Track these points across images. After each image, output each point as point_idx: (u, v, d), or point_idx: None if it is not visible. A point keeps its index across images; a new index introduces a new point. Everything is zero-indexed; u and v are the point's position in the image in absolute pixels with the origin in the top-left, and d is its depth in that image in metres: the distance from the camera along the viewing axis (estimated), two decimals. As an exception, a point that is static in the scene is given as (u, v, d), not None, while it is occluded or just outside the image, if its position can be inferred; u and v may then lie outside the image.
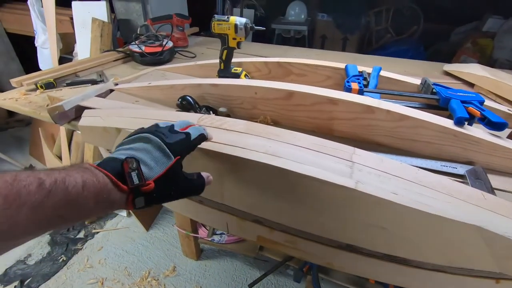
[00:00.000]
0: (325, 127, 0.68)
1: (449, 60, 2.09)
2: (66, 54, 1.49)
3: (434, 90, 0.68)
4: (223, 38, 0.80)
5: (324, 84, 0.86)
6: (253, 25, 0.78)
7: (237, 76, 0.84)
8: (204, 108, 0.73)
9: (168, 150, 0.36)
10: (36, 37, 1.49)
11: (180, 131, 0.40)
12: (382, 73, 0.80)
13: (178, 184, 0.37)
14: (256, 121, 0.72)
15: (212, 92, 0.75)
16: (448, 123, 0.58)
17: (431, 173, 0.45)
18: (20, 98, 0.89)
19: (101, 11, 1.23)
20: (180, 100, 0.71)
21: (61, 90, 0.91)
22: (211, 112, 0.73)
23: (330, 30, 2.54)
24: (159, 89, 0.82)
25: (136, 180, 0.32)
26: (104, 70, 1.12)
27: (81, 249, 1.36)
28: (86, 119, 0.63)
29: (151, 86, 0.82)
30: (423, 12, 2.34)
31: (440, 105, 0.66)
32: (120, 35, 1.55)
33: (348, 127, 0.66)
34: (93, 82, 1.00)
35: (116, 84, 0.94)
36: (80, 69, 1.06)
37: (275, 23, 2.53)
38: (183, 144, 0.39)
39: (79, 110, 0.79)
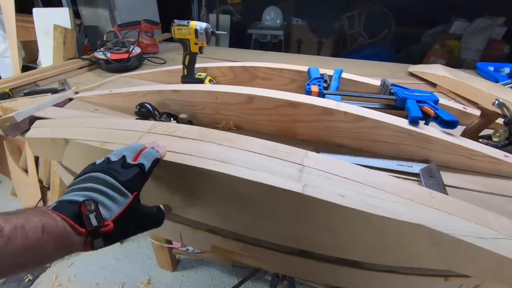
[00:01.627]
0: (287, 130, 0.68)
1: (419, 62, 2.16)
2: (30, 62, 1.44)
3: (392, 91, 0.69)
4: (184, 43, 0.79)
5: (288, 87, 0.86)
6: (214, 29, 0.77)
7: (201, 81, 0.83)
8: (164, 115, 0.71)
9: (123, 189, 0.36)
10: (-4, 45, 1.43)
11: (133, 162, 0.39)
12: (344, 75, 0.81)
13: (137, 220, 0.37)
14: (218, 127, 0.71)
15: (173, 98, 0.74)
16: (404, 122, 0.59)
17: (381, 173, 0.45)
18: (-28, 111, 0.84)
19: (64, 18, 1.19)
20: (138, 107, 0.68)
21: (16, 100, 0.87)
22: (171, 119, 0.71)
23: (305, 34, 2.58)
24: (120, 97, 0.79)
25: (94, 222, 0.32)
26: (67, 78, 1.08)
27: (48, 266, 1.30)
28: (35, 130, 0.60)
29: (112, 93, 0.80)
30: (394, 16, 2.41)
31: (397, 105, 0.67)
32: (88, 42, 1.50)
33: (310, 130, 0.66)
34: (54, 91, 0.95)
35: (77, 93, 0.91)
36: (40, 78, 1.02)
37: (251, 28, 2.55)
38: (138, 178, 0.38)
39: (33, 121, 0.76)
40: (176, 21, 0.77)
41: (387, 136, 0.60)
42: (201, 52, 0.80)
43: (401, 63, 1.27)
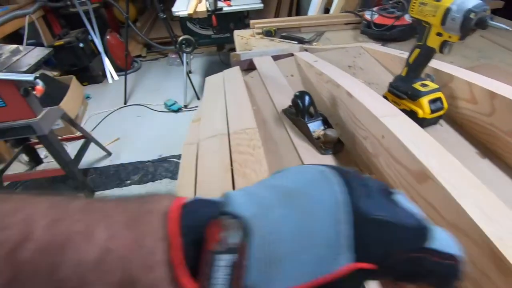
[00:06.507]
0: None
1: None
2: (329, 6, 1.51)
3: None
4: (421, 28, 0.47)
5: None
6: (489, 17, 0.38)
7: (416, 95, 0.50)
8: (320, 119, 0.52)
9: (349, 233, 0.15)
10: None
11: (409, 208, 0.17)
12: None
13: None
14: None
15: (345, 102, 0.52)
16: None
17: None
18: (245, 37, 1.04)
19: (367, -36, 1.07)
20: (296, 95, 0.53)
21: (262, 39, 0.96)
22: (324, 127, 0.52)
23: None
24: (313, 72, 0.68)
25: (221, 278, 0.13)
26: (327, 32, 1.05)
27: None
28: (211, 79, 0.66)
29: (309, 64, 0.69)
30: None
31: None
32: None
33: None
34: (300, 41, 0.97)
35: (306, 50, 0.87)
36: (304, 25, 1.06)
37: None
38: (412, 240, 0.16)
39: (251, 64, 0.84)
40: (426, -11, 0.44)
41: None
42: (441, 52, 0.45)
43: None
